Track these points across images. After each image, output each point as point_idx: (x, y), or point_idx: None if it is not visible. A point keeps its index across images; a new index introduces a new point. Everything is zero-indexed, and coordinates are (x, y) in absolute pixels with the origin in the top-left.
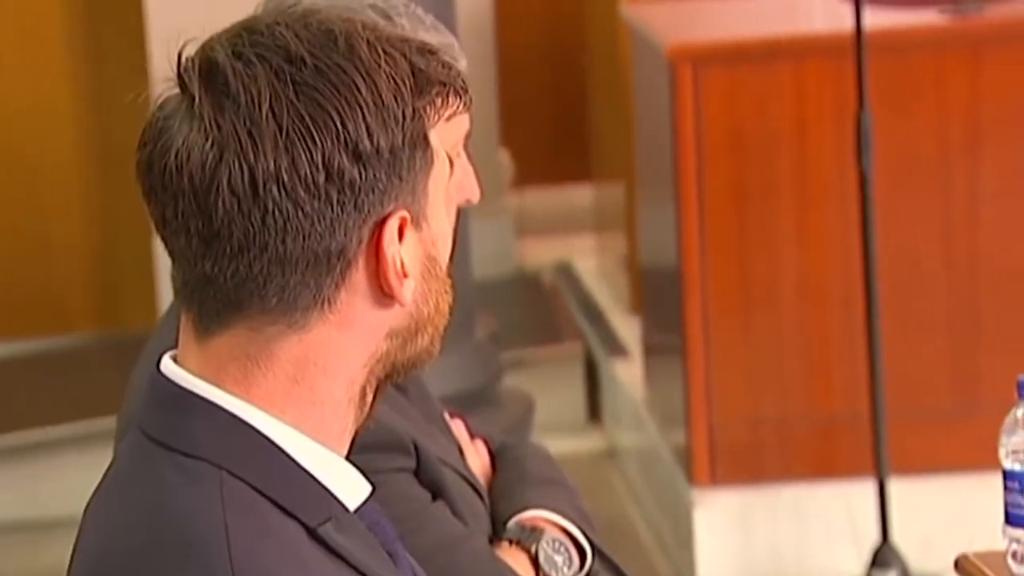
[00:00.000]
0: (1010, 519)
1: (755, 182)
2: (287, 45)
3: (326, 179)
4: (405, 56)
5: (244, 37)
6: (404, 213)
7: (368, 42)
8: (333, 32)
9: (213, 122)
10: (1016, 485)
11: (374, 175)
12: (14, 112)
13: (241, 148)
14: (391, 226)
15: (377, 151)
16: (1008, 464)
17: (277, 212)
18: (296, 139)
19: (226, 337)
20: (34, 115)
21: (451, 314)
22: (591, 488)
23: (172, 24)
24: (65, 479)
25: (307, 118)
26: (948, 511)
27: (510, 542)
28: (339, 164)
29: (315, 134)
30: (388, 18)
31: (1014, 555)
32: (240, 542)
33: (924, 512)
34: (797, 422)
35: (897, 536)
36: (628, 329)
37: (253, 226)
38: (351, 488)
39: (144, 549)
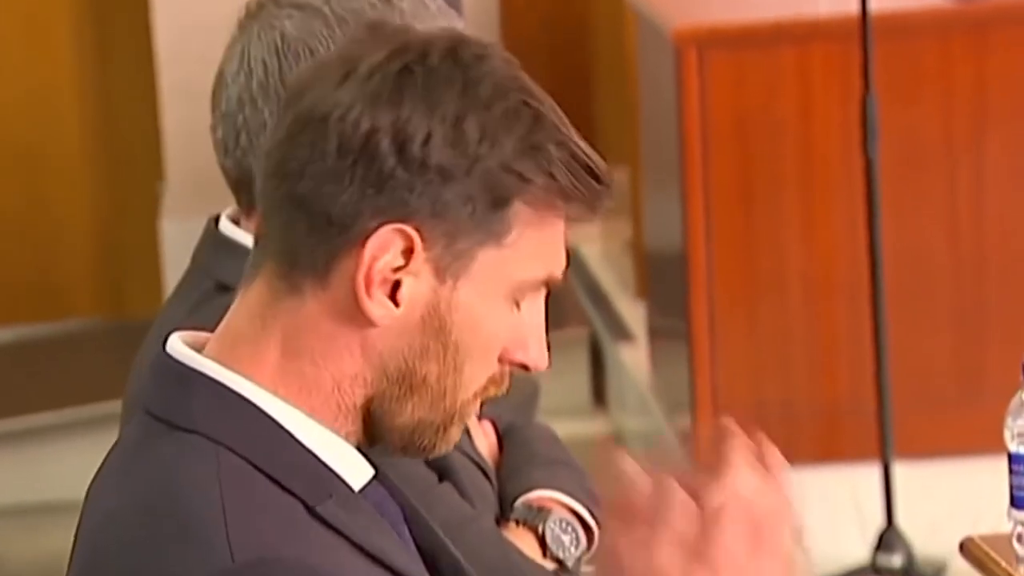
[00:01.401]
0: (1016, 502)
1: (760, 166)
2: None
3: (360, 149)
4: (535, 128)
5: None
6: (419, 240)
7: (497, 83)
8: (460, 53)
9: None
10: (1022, 468)
11: (408, 179)
12: (19, 99)
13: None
14: (394, 235)
15: (422, 162)
16: (1014, 447)
17: (311, 149)
18: (371, 100)
19: (255, 288)
20: (39, 103)
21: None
22: (595, 472)
23: (178, 13)
24: (67, 464)
25: (390, 92)
26: (953, 495)
27: (517, 522)
28: (379, 145)
29: (382, 109)
30: (387, 2)
31: (1019, 538)
32: (237, 519)
33: (929, 496)
34: (802, 407)
35: (902, 520)
36: (633, 314)
37: (291, 155)
38: (354, 469)
39: (142, 529)
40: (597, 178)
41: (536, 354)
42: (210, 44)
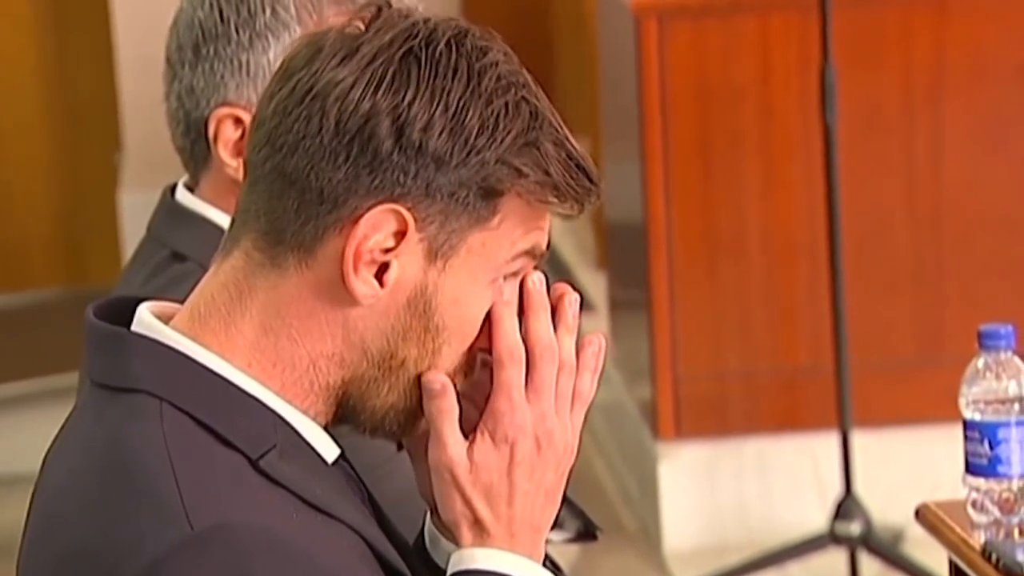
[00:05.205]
0: (970, 468)
1: (720, 136)
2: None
3: (358, 129)
4: (533, 125)
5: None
6: (412, 221)
7: (501, 77)
8: (479, 54)
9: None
10: (976, 435)
11: (404, 163)
12: None
13: (333, 61)
14: (387, 215)
15: (420, 147)
16: (968, 414)
17: (307, 124)
18: (373, 82)
19: (232, 258)
20: None
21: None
22: None
23: None
24: (28, 435)
25: (393, 76)
26: (912, 462)
27: None
28: (378, 127)
29: (383, 91)
30: None
31: (974, 503)
32: (188, 481)
33: (888, 464)
34: (762, 375)
35: (861, 488)
36: (594, 284)
37: (284, 128)
38: (323, 447)
39: (96, 498)
40: (589, 177)
41: None
42: (167, 14)
